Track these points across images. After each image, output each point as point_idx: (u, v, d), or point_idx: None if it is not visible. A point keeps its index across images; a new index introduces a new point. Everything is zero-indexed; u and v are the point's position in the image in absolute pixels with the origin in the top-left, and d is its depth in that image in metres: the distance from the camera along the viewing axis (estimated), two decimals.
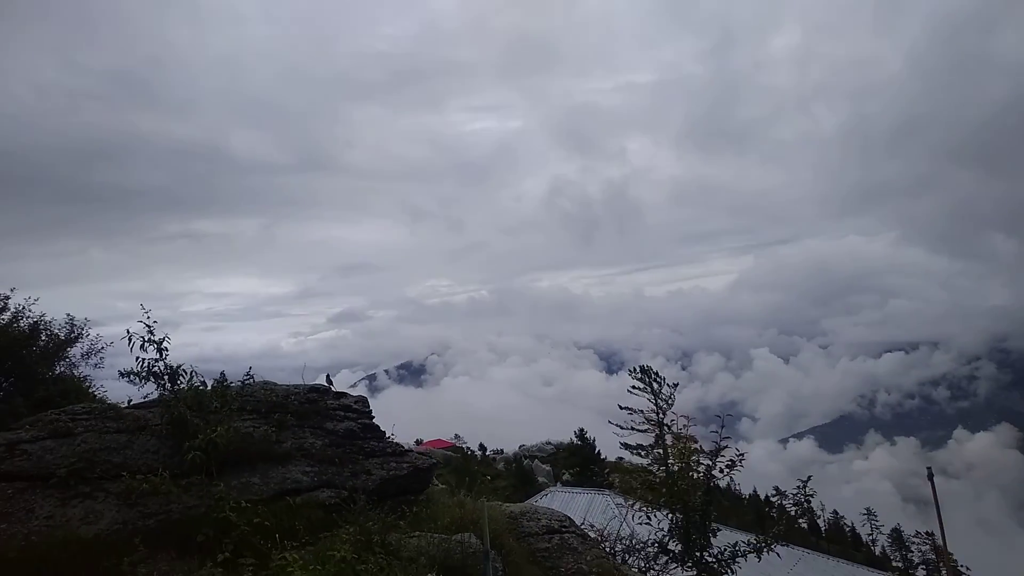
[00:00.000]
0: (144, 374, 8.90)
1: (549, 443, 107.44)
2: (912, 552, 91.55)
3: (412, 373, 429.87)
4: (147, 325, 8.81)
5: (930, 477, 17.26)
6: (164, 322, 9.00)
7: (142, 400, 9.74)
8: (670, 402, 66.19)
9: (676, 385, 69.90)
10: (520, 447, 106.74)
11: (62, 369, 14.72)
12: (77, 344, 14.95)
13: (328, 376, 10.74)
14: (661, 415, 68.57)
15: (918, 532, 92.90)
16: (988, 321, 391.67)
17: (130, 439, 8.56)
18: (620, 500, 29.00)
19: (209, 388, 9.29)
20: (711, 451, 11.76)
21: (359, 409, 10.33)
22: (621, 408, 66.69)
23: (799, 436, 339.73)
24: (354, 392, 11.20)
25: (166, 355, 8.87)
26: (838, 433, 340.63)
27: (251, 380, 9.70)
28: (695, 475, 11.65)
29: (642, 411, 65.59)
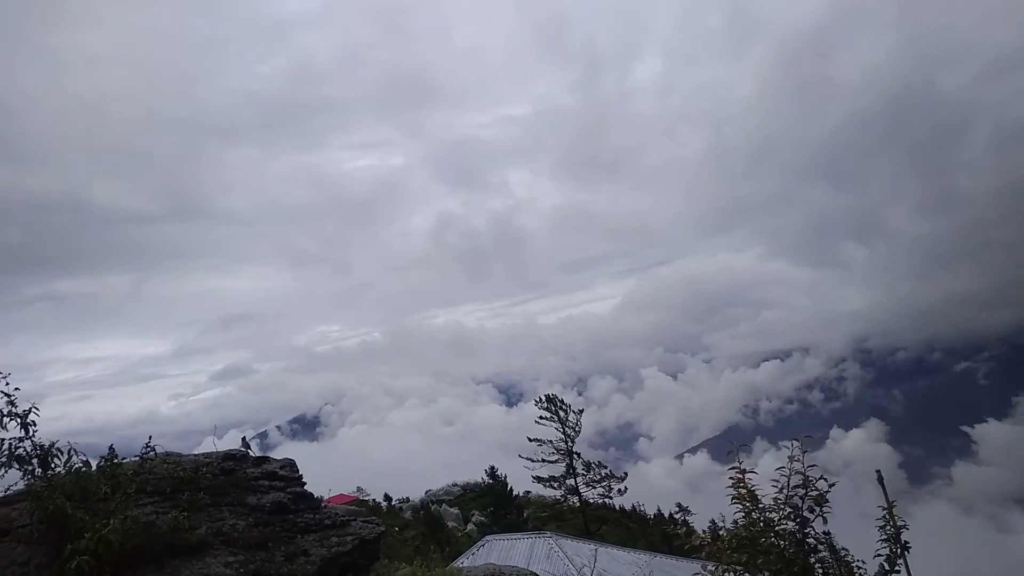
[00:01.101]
0: (4, 459, 6.83)
1: (455, 485, 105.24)
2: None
3: (306, 427, 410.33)
4: (6, 395, 6.79)
5: (880, 481, 17.06)
6: (27, 396, 7.02)
7: (2, 494, 7.53)
8: (577, 429, 66.19)
9: (581, 411, 70.04)
10: (426, 492, 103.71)
11: None
12: None
13: (244, 439, 8.95)
14: (570, 443, 68.30)
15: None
16: (849, 324, 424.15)
17: None
18: (562, 540, 28.01)
19: (94, 468, 7.34)
20: (796, 486, 8.44)
21: (287, 475, 8.60)
22: (530, 440, 65.88)
23: (693, 451, 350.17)
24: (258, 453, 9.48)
25: (33, 432, 6.87)
26: (728, 443, 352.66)
27: (150, 452, 7.76)
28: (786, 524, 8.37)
29: (551, 441, 65.31)
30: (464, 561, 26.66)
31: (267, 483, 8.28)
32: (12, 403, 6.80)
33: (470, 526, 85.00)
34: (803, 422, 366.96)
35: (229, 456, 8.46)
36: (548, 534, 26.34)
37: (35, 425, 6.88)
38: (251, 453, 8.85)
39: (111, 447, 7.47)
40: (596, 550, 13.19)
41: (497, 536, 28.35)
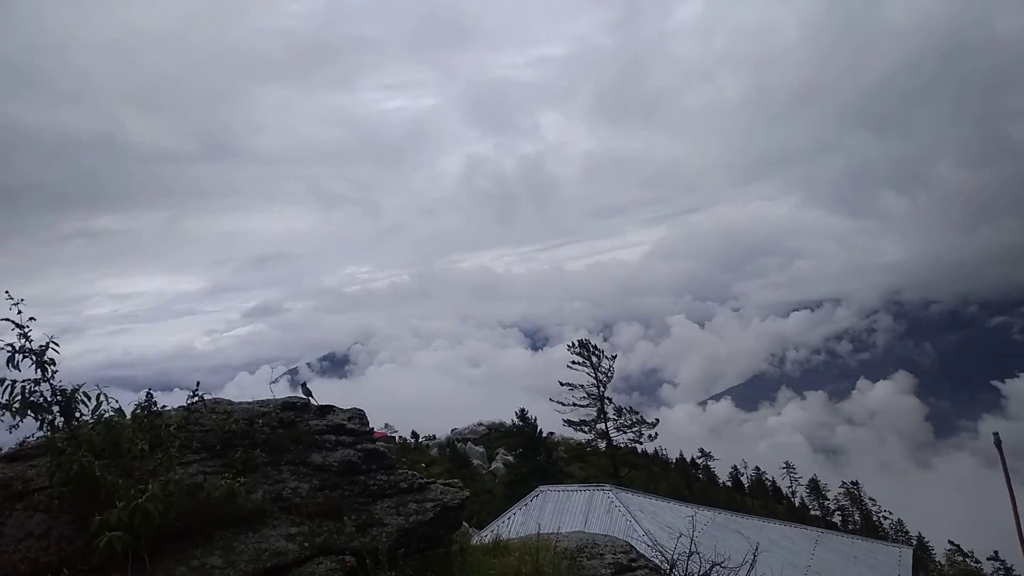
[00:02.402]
0: (16, 405, 5.39)
1: (481, 424, 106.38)
2: (828, 500, 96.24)
3: (335, 364, 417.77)
4: (19, 327, 5.35)
5: (997, 444, 15.41)
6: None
7: (15, 447, 6.05)
8: (609, 375, 65.10)
9: (615, 357, 68.92)
10: (452, 431, 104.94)
11: None
12: None
13: (305, 385, 7.48)
14: (602, 388, 67.27)
15: (843, 483, 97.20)
16: (883, 276, 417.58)
17: None
18: (622, 494, 26.91)
19: (129, 418, 5.97)
20: None
21: (356, 428, 7.18)
22: (562, 384, 65.02)
23: (716, 398, 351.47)
24: (277, 389, 8.06)
25: (53, 373, 5.44)
26: (752, 392, 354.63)
27: (198, 400, 6.31)
28: None
29: (582, 386, 64.38)
30: (516, 512, 25.84)
31: (333, 438, 6.86)
32: (26, 336, 5.33)
33: (495, 464, 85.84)
34: (830, 372, 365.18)
35: (289, 405, 7.03)
36: (607, 487, 25.23)
37: (54, 364, 5.40)
38: (313, 401, 7.41)
39: (148, 392, 5.99)
40: (695, 515, 11.91)
41: (551, 487, 27.32)
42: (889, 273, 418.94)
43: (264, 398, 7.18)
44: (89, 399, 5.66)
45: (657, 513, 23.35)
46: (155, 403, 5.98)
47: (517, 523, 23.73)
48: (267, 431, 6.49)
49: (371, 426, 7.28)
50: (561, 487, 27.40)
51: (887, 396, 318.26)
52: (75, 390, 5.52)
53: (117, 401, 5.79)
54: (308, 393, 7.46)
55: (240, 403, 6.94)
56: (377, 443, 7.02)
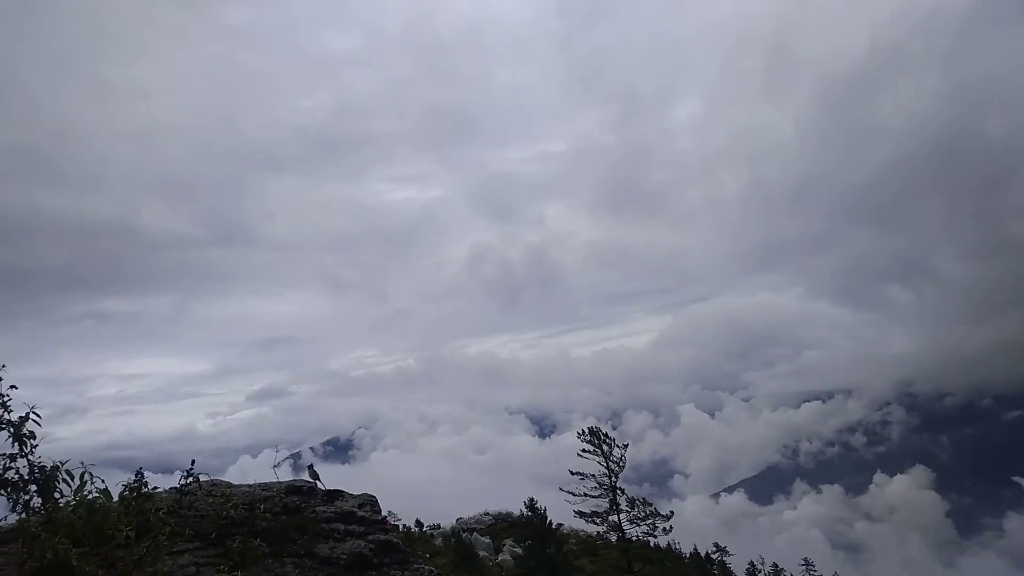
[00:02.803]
0: None
1: (487, 514, 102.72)
2: None
3: (339, 449, 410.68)
4: None
5: None
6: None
7: None
8: (621, 464, 63.12)
9: (627, 446, 66.96)
10: (457, 520, 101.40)
11: None
12: None
13: (312, 468, 6.80)
14: (614, 479, 65.36)
15: None
16: (894, 367, 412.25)
17: None
18: None
19: (115, 500, 5.31)
20: None
21: (367, 516, 6.46)
22: (572, 473, 62.89)
23: (730, 490, 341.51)
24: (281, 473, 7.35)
25: (32, 448, 4.81)
26: (766, 484, 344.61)
27: (193, 480, 5.62)
28: None
29: (593, 475, 62.33)
30: None
31: (342, 527, 6.15)
32: (5, 406, 4.76)
33: (502, 556, 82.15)
34: (845, 465, 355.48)
35: (294, 489, 6.35)
36: None
37: (34, 438, 4.79)
38: (320, 485, 6.72)
39: (139, 472, 5.35)
40: None
41: None
42: (899, 365, 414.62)
43: (267, 481, 6.52)
44: (72, 478, 5.03)
45: None
46: (145, 483, 5.32)
47: None
48: (269, 518, 5.80)
49: (384, 514, 6.57)
50: None
51: (906, 491, 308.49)
52: (56, 467, 4.89)
53: (103, 481, 5.15)
54: (315, 476, 6.78)
55: (240, 486, 6.28)
56: (390, 534, 6.30)
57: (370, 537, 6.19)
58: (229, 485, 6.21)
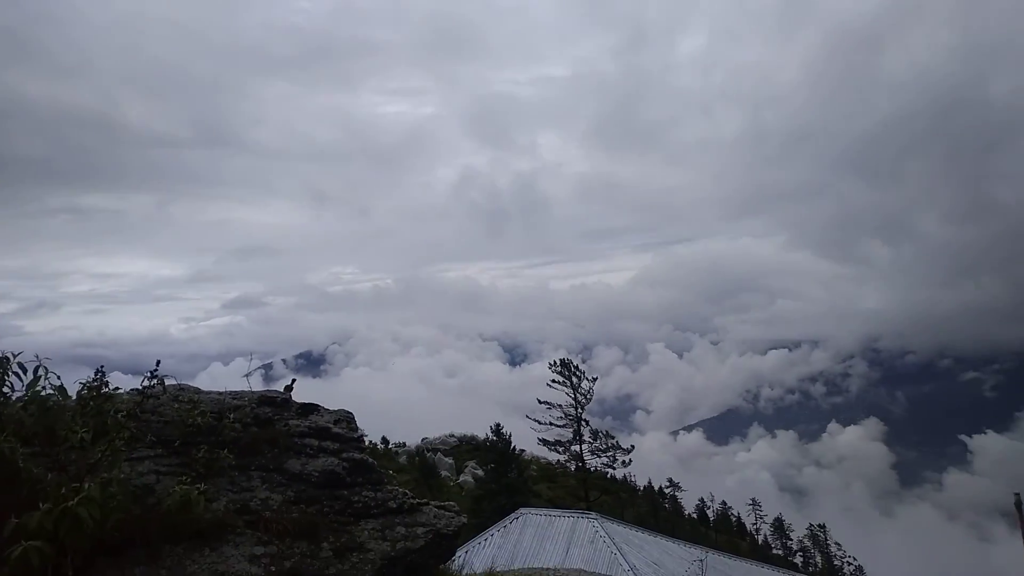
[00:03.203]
0: None
1: (452, 436, 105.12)
2: (791, 541, 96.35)
3: (311, 363, 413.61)
4: None
5: (1018, 505, 14.71)
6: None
7: None
8: (588, 397, 64.21)
9: (595, 379, 68.00)
10: (423, 440, 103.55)
11: None
12: None
13: (291, 385, 6.40)
14: (580, 410, 66.37)
15: (810, 525, 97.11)
16: (863, 322, 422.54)
17: None
18: (608, 524, 25.82)
19: (74, 398, 4.93)
20: None
21: (342, 434, 6.15)
22: (540, 402, 63.96)
23: (688, 429, 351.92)
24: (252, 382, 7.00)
25: None
26: (725, 426, 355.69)
27: (157, 383, 5.22)
28: None
29: (560, 405, 63.38)
30: (495, 532, 24.62)
31: (315, 443, 5.83)
32: None
33: (464, 477, 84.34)
34: (802, 413, 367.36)
35: (266, 399, 6.00)
36: (593, 515, 24.08)
37: None
38: (292, 399, 6.36)
39: (99, 370, 4.92)
40: (705, 560, 11.13)
41: (533, 510, 26.15)
42: (868, 320, 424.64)
43: (238, 390, 6.14)
44: (24, 371, 4.60)
45: (643, 547, 22.32)
46: (106, 383, 4.89)
47: (494, 545, 22.66)
48: (238, 428, 5.44)
49: (359, 434, 6.26)
50: (543, 511, 26.25)
51: (856, 441, 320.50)
52: (5, 359, 4.46)
53: (59, 377, 4.72)
54: (290, 388, 6.41)
55: (209, 392, 5.90)
56: (365, 453, 6.01)
57: (344, 455, 5.88)
58: (197, 391, 5.81)
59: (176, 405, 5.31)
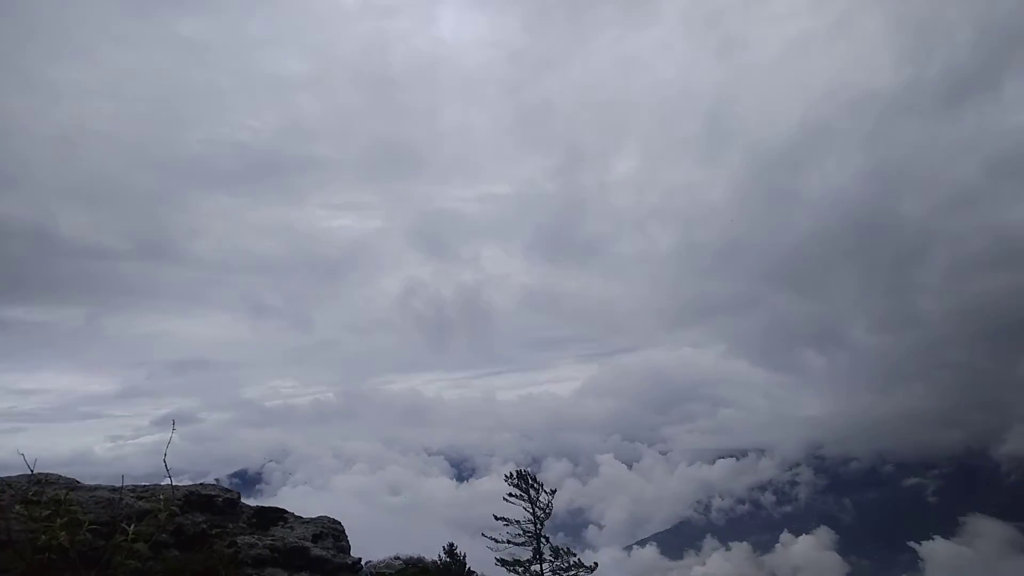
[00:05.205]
0: None
1: (398, 558, 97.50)
2: None
3: (247, 483, 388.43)
4: None
5: None
6: None
7: None
8: (548, 511, 60.31)
9: (554, 492, 64.25)
10: (366, 563, 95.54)
11: None
12: None
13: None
14: (539, 526, 62.31)
15: None
16: (804, 429, 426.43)
17: None
18: None
19: None
20: None
21: (326, 557, 3.45)
22: (496, 519, 59.65)
23: (642, 543, 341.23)
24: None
25: None
26: (678, 539, 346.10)
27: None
28: None
29: (519, 521, 59.18)
30: None
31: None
32: None
33: None
34: (754, 523, 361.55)
35: (199, 500, 3.17)
36: None
37: None
38: (243, 501, 3.89)
39: None
40: None
41: None
42: (810, 427, 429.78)
43: (150, 483, 3.67)
44: None
45: None
46: None
47: None
48: (145, 552, 2.97)
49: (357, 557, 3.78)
50: None
51: (809, 551, 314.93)
52: None
53: None
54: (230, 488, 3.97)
55: (95, 488, 3.43)
56: None
57: None
58: (74, 486, 3.34)
59: (25, 511, 2.83)
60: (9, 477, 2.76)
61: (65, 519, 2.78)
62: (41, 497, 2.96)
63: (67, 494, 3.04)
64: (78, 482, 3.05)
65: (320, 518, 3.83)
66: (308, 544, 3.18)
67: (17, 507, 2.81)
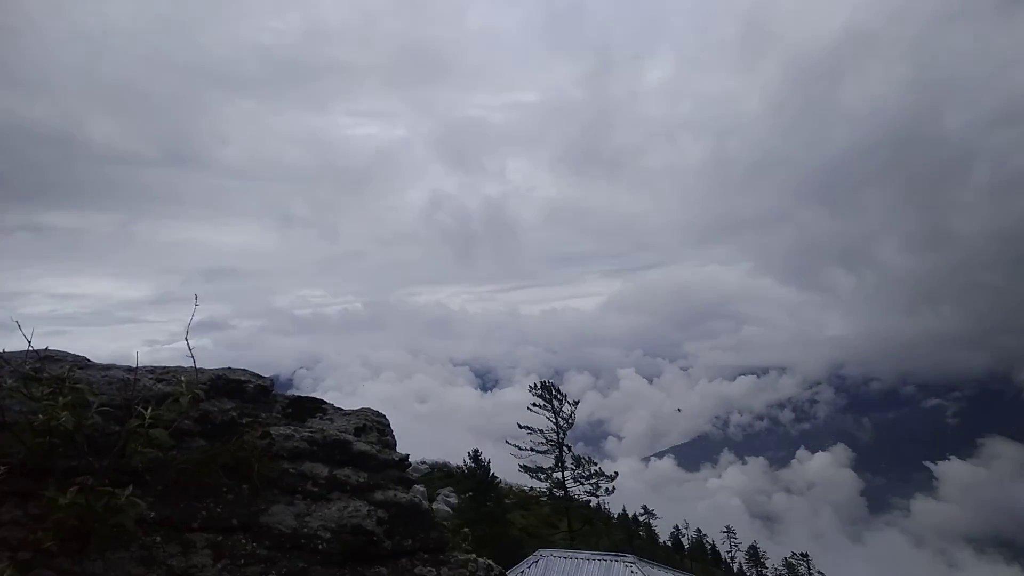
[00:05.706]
0: None
1: (424, 463, 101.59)
2: (767, 569, 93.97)
3: (279, 388, 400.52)
4: None
5: None
6: None
7: None
8: (570, 421, 61.20)
9: (577, 403, 65.14)
10: None
11: None
12: None
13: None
14: (562, 435, 63.26)
15: (793, 554, 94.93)
16: (827, 349, 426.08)
17: None
18: (647, 567, 22.55)
19: None
20: None
21: (372, 453, 3.29)
22: (520, 427, 60.76)
23: (660, 455, 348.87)
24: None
25: None
26: (695, 452, 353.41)
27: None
28: None
29: (542, 430, 60.22)
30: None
31: (323, 471, 2.94)
32: None
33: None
34: (771, 439, 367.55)
35: (225, 384, 3.10)
36: (630, 558, 20.80)
37: None
38: (277, 390, 3.47)
39: None
40: None
41: (554, 552, 22.68)
42: (833, 347, 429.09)
43: (171, 365, 3.24)
44: None
45: None
46: None
47: None
48: (165, 440, 2.56)
49: (404, 456, 3.40)
50: (566, 553, 22.75)
51: (825, 468, 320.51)
52: None
53: None
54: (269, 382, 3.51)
55: (108, 368, 3.01)
56: (414, 491, 3.16)
57: (379, 495, 2.97)
58: (83, 364, 2.89)
59: (23, 388, 2.40)
60: (9, 352, 2.46)
61: (69, 398, 2.33)
62: (42, 374, 2.56)
63: (70, 370, 2.59)
64: (88, 360, 2.72)
65: (362, 410, 3.53)
66: (350, 438, 2.90)
67: (10, 382, 2.39)
